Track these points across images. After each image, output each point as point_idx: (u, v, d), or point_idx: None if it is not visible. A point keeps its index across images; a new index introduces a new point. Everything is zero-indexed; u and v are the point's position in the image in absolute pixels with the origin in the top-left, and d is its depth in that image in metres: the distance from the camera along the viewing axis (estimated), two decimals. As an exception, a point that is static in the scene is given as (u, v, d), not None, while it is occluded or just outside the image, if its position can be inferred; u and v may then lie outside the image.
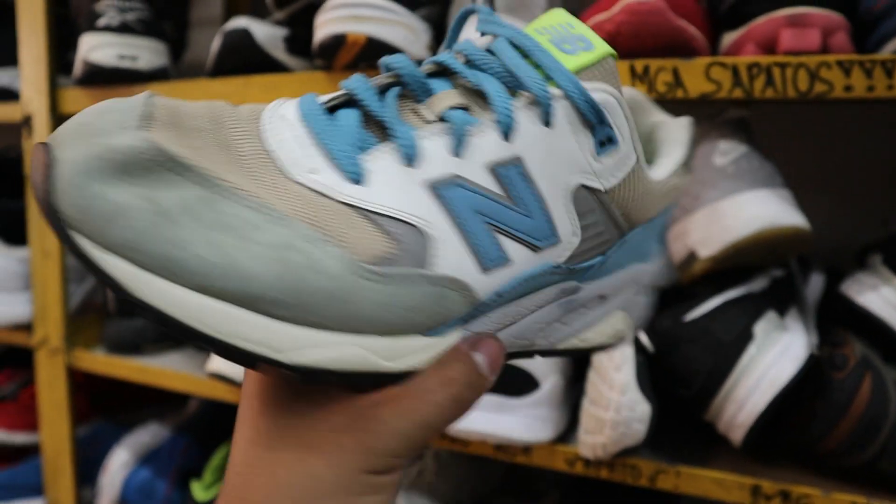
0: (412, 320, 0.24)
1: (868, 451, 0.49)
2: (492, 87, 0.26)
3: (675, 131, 0.34)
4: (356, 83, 0.26)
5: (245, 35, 0.65)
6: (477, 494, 0.77)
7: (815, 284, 0.63)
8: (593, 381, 0.54)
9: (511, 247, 0.26)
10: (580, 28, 0.27)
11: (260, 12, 0.96)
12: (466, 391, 0.25)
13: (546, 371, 0.57)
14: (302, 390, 0.25)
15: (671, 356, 0.54)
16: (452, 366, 0.25)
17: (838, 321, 0.57)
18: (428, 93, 0.26)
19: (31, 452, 0.92)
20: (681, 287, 0.58)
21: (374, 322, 0.23)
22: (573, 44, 0.27)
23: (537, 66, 0.26)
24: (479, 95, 0.26)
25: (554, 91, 0.26)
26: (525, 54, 0.27)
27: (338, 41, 0.56)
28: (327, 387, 0.25)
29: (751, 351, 0.52)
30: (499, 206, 0.26)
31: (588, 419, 0.53)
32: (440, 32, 0.62)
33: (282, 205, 0.22)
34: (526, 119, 0.26)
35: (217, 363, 0.69)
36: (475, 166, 0.25)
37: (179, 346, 0.83)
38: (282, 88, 0.64)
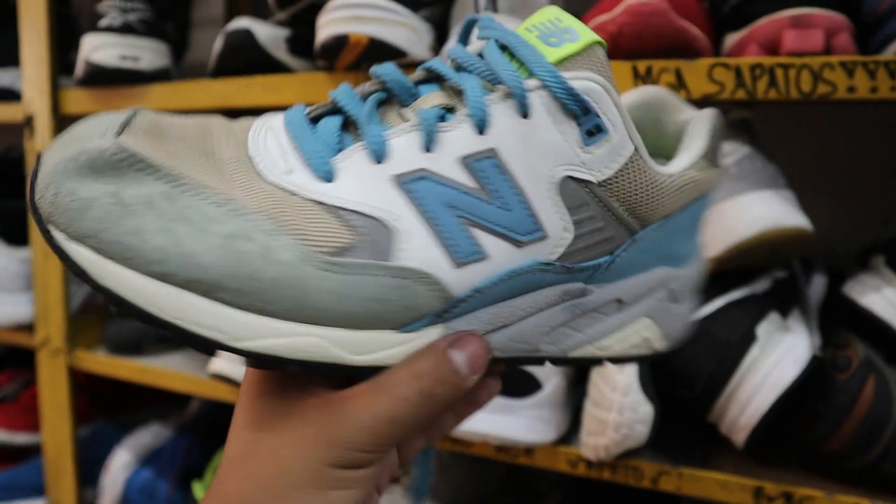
0: (376, 313, 0.24)
1: (871, 453, 0.49)
2: (469, 84, 0.26)
3: (696, 123, 0.33)
4: (341, 92, 0.27)
5: (247, 35, 0.65)
6: (478, 495, 0.77)
7: (817, 285, 0.63)
8: (596, 382, 0.54)
9: (488, 241, 0.26)
10: (568, 21, 0.27)
11: (261, 13, 0.96)
12: (436, 386, 0.25)
13: (548, 372, 0.57)
14: (286, 386, 0.26)
15: (673, 357, 0.54)
16: (422, 360, 0.25)
17: (841, 322, 0.57)
18: (413, 97, 0.27)
19: (32, 453, 0.92)
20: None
21: (330, 312, 0.24)
22: (559, 37, 0.27)
23: (520, 63, 0.27)
24: (461, 94, 0.27)
25: (531, 83, 0.26)
26: (510, 52, 0.27)
27: (340, 42, 0.56)
28: (309, 381, 0.26)
29: (753, 352, 0.52)
30: (472, 199, 0.26)
31: (590, 420, 0.53)
32: (442, 33, 0.62)
33: (248, 201, 0.23)
34: (502, 112, 0.26)
35: (219, 364, 0.69)
36: (446, 160, 0.25)
37: (181, 346, 0.83)
38: (284, 89, 0.64)
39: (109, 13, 0.70)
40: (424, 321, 0.26)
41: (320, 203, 0.24)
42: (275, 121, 0.27)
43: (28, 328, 0.84)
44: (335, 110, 0.27)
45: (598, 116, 0.26)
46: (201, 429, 0.90)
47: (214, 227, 0.23)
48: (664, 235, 0.30)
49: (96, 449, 0.88)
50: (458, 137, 0.26)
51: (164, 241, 0.22)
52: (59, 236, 0.22)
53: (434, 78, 0.28)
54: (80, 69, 0.72)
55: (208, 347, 0.23)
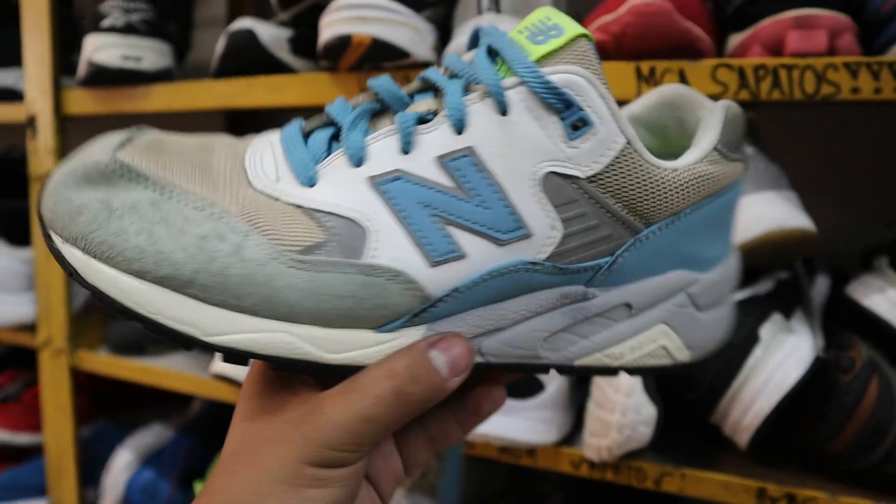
0: (346, 311, 0.25)
1: (875, 454, 0.49)
2: (451, 87, 0.27)
3: (709, 115, 0.31)
4: (335, 105, 0.28)
5: (250, 36, 0.64)
6: (481, 496, 0.77)
7: (820, 286, 0.63)
8: (598, 383, 0.54)
9: (465, 239, 0.26)
10: (556, 18, 0.27)
11: (263, 13, 0.96)
12: (410, 385, 0.25)
13: (551, 373, 0.57)
14: (278, 386, 0.27)
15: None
16: (397, 359, 0.25)
17: (844, 323, 0.57)
18: (407, 105, 0.28)
19: (34, 453, 0.92)
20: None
21: (299, 309, 0.24)
22: (546, 34, 0.26)
23: (506, 63, 0.27)
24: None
25: (509, 80, 0.26)
26: (498, 54, 0.27)
27: (343, 42, 0.56)
28: (299, 382, 0.26)
29: (756, 353, 0.52)
30: (447, 198, 0.26)
31: (593, 422, 0.53)
32: (445, 33, 0.61)
33: (231, 206, 0.25)
34: (480, 111, 0.26)
35: (221, 364, 0.69)
36: (422, 161, 0.26)
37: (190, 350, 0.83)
38: (286, 89, 0.64)
39: (112, 13, 0.70)
40: (402, 321, 0.26)
41: (299, 206, 0.25)
42: (274, 136, 0.28)
43: (30, 328, 0.84)
44: (329, 123, 0.28)
45: (582, 109, 0.26)
46: (203, 429, 0.89)
47: (191, 228, 0.24)
48: (676, 235, 0.28)
49: (98, 449, 0.88)
50: (436, 138, 0.26)
51: (143, 241, 0.24)
52: (57, 240, 0.25)
53: (429, 86, 0.28)
54: (82, 69, 0.72)
55: (183, 342, 0.24)
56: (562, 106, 0.26)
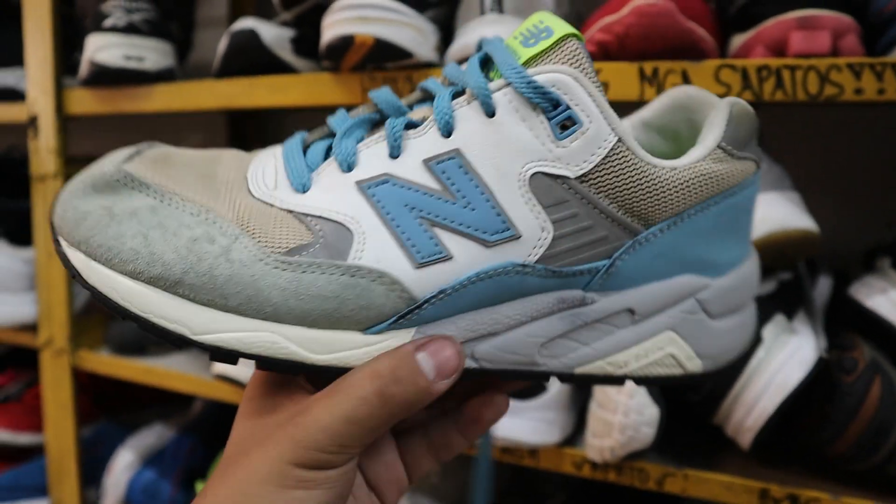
0: (331, 311, 0.25)
1: (878, 455, 0.49)
2: (442, 93, 0.27)
3: (714, 113, 0.30)
4: (336, 116, 0.29)
5: (252, 36, 0.64)
6: (482, 496, 0.77)
7: (822, 287, 0.63)
8: (601, 383, 0.53)
9: (451, 241, 0.26)
10: (548, 21, 0.27)
11: (264, 13, 0.96)
12: (392, 386, 0.25)
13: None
14: (274, 391, 0.27)
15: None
16: (381, 360, 0.25)
17: (847, 324, 0.57)
18: (404, 114, 0.28)
19: (35, 453, 0.92)
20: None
21: (284, 309, 0.25)
22: (537, 37, 0.27)
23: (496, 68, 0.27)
24: None
25: (496, 83, 0.26)
26: (492, 60, 0.28)
27: (345, 42, 0.56)
28: (296, 386, 0.27)
29: (759, 354, 0.52)
30: (433, 200, 0.26)
31: (596, 422, 0.53)
32: (448, 34, 0.61)
33: (227, 213, 0.26)
34: (468, 114, 0.26)
35: (223, 365, 0.69)
36: (409, 164, 0.26)
37: (184, 350, 0.83)
38: (288, 90, 0.63)
39: (114, 13, 0.70)
40: (388, 323, 0.26)
41: (291, 212, 0.26)
42: (279, 148, 0.29)
43: (31, 328, 0.84)
44: (330, 134, 0.29)
45: (570, 108, 0.26)
46: (204, 429, 0.89)
47: (184, 231, 0.25)
48: (681, 238, 0.28)
49: (99, 449, 0.88)
50: (424, 142, 0.26)
51: (138, 244, 0.25)
52: (63, 244, 0.26)
53: (428, 96, 0.29)
54: (84, 69, 0.72)
55: (174, 340, 0.25)
56: (548, 105, 0.26)
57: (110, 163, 0.27)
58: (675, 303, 0.28)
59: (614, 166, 0.26)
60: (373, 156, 0.27)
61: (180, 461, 0.84)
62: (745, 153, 0.29)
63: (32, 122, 0.79)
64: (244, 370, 0.68)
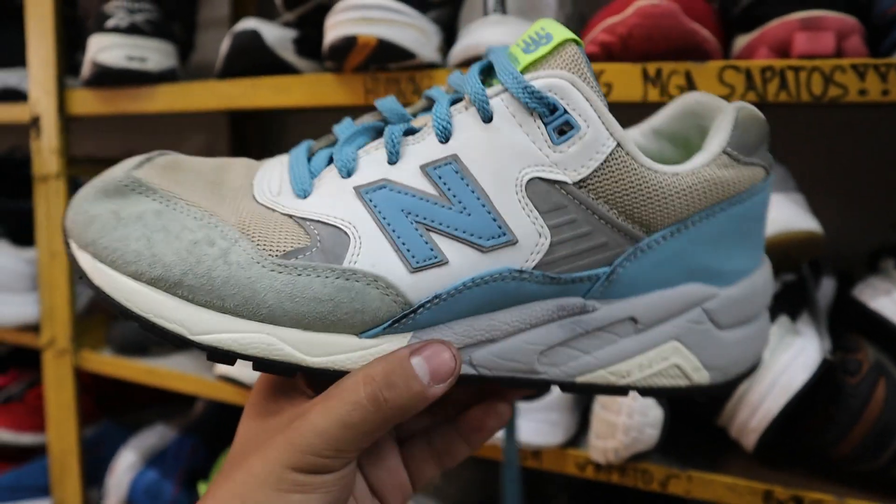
0: (326, 314, 0.25)
1: (882, 457, 0.49)
2: (442, 100, 0.27)
3: (719, 118, 0.29)
4: (341, 125, 0.30)
5: (254, 36, 0.64)
6: (484, 498, 0.77)
7: (826, 288, 0.63)
8: (604, 385, 0.53)
9: (447, 246, 0.26)
10: (549, 28, 0.27)
11: (266, 14, 0.96)
12: (386, 391, 0.25)
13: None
14: (278, 394, 0.28)
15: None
16: (375, 365, 0.26)
17: (851, 326, 0.57)
18: (408, 122, 0.28)
19: (37, 453, 0.92)
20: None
21: (279, 311, 0.25)
22: (537, 44, 0.27)
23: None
24: None
25: (493, 89, 0.26)
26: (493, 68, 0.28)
27: (348, 43, 0.55)
28: (296, 391, 0.27)
29: (763, 355, 0.51)
30: (429, 205, 0.26)
31: (599, 424, 0.53)
32: (451, 34, 0.61)
33: (230, 217, 0.26)
34: (465, 120, 0.26)
35: (226, 366, 0.69)
36: (407, 170, 0.26)
37: (184, 349, 0.83)
38: (291, 90, 0.63)
39: (116, 14, 0.70)
40: (383, 327, 0.26)
41: (291, 216, 0.27)
42: (285, 156, 0.30)
43: (34, 328, 0.84)
44: (335, 142, 0.30)
45: (567, 113, 0.26)
46: (206, 430, 0.89)
47: (186, 234, 0.26)
48: (685, 245, 0.27)
49: (101, 449, 0.88)
50: (422, 148, 0.27)
51: (141, 246, 0.25)
52: (73, 246, 0.26)
53: (432, 104, 0.29)
54: (86, 70, 0.72)
55: (173, 340, 0.25)
56: (545, 110, 0.26)
57: (120, 169, 0.28)
58: (681, 312, 0.28)
59: (613, 171, 0.26)
60: (372, 162, 0.27)
61: (182, 462, 0.84)
62: (753, 159, 0.28)
63: (35, 122, 0.79)
64: (246, 371, 0.68)
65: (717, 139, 0.28)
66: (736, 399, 0.52)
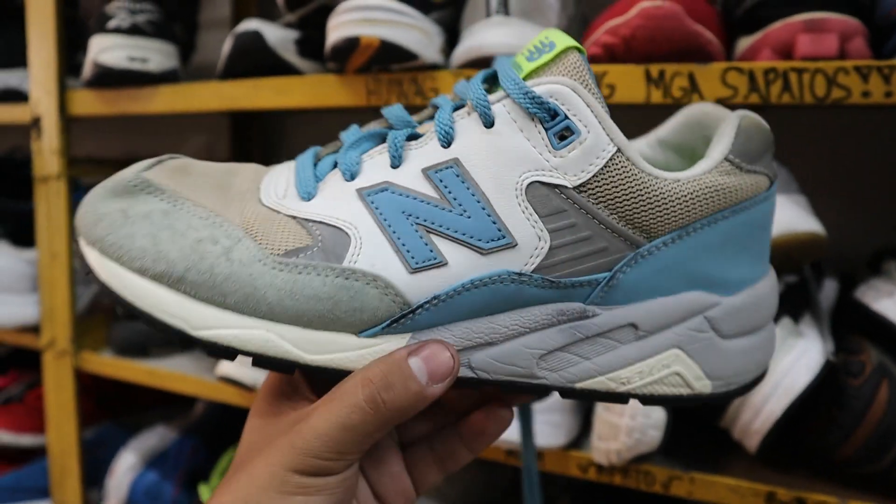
0: (324, 312, 0.25)
1: (885, 459, 0.49)
2: (445, 106, 0.28)
3: (722, 126, 0.29)
4: (348, 131, 0.30)
5: (256, 37, 0.64)
6: (485, 499, 0.77)
7: (828, 290, 0.63)
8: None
9: (446, 247, 0.26)
10: (553, 37, 0.27)
11: (267, 15, 0.96)
12: (384, 392, 0.25)
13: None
14: (283, 397, 0.28)
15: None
16: (372, 367, 0.26)
17: (853, 328, 0.57)
18: (413, 129, 0.29)
19: (37, 454, 0.92)
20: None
21: (279, 308, 0.25)
22: (541, 52, 0.27)
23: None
24: None
25: (495, 95, 0.27)
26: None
27: (351, 44, 0.55)
28: (300, 395, 0.28)
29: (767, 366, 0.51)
30: (429, 207, 0.26)
31: (602, 425, 0.53)
32: (453, 35, 0.61)
33: (235, 218, 0.27)
34: (467, 125, 0.27)
35: (226, 367, 0.69)
36: (408, 173, 0.27)
37: (187, 348, 0.83)
38: (293, 91, 0.63)
39: (118, 14, 0.70)
40: (381, 327, 0.26)
41: (294, 218, 0.27)
42: (292, 162, 0.31)
43: (34, 329, 0.84)
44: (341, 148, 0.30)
45: (568, 118, 0.26)
46: (207, 431, 0.89)
47: (191, 233, 0.26)
48: (687, 252, 0.27)
49: (102, 451, 0.88)
50: (424, 153, 0.27)
51: (147, 243, 0.26)
52: (82, 243, 0.27)
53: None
54: (88, 70, 0.72)
55: (174, 335, 0.26)
56: (546, 116, 0.26)
57: (131, 170, 0.28)
58: (682, 320, 0.28)
59: (613, 176, 0.26)
60: (375, 165, 0.28)
61: (182, 463, 0.84)
62: (756, 167, 0.28)
63: (35, 123, 0.78)
64: (246, 372, 0.67)
65: (720, 147, 0.28)
66: (739, 401, 0.52)
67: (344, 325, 0.26)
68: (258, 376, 0.67)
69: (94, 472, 0.86)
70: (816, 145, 0.74)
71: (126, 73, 0.70)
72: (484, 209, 0.26)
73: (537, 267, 0.26)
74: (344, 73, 0.60)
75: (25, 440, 0.91)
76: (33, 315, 0.84)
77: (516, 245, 0.26)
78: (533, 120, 0.26)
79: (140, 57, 0.70)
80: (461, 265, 0.26)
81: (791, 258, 0.56)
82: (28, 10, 0.78)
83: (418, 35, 0.56)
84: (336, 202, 0.27)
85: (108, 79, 0.71)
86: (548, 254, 0.26)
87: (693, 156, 0.33)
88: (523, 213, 0.26)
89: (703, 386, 0.28)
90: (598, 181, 0.26)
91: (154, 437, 0.87)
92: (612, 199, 0.26)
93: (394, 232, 0.26)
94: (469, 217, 0.26)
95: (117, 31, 0.69)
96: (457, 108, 0.28)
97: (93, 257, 0.27)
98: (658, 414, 0.51)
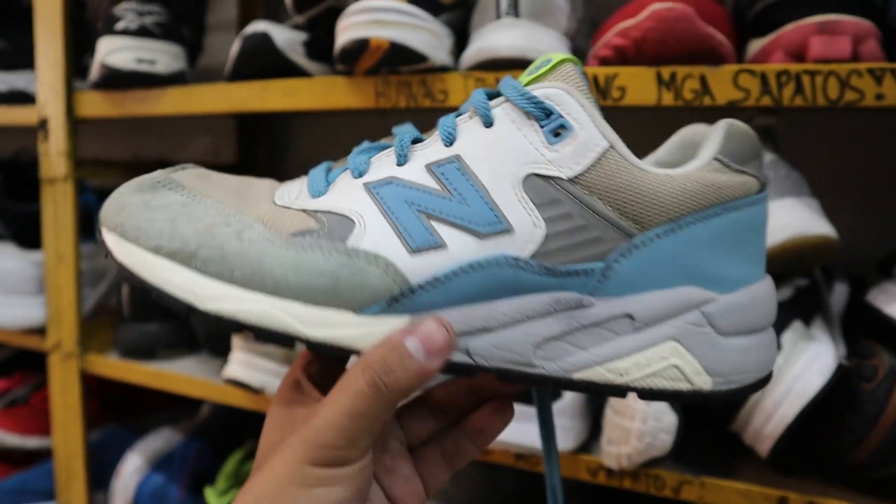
0: (327, 288, 0.27)
1: (898, 464, 0.48)
2: (449, 116, 0.31)
3: (712, 133, 0.31)
4: (361, 148, 0.32)
5: (265, 39, 0.64)
6: (492, 503, 0.76)
7: (838, 294, 0.63)
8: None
9: (446, 232, 0.28)
10: (551, 55, 0.30)
11: (274, 16, 0.96)
12: (384, 376, 0.26)
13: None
14: (292, 404, 0.29)
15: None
16: (371, 352, 0.27)
17: (865, 331, 0.57)
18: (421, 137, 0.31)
19: (43, 457, 0.92)
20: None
21: (284, 284, 0.27)
22: (539, 67, 0.30)
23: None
24: None
25: (495, 100, 0.29)
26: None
27: (360, 46, 0.55)
28: (311, 398, 0.29)
29: (777, 361, 0.51)
30: (431, 196, 0.28)
31: (612, 429, 0.53)
32: (462, 37, 0.61)
33: (248, 210, 0.29)
34: (469, 127, 0.29)
35: (233, 369, 0.69)
36: (413, 169, 0.29)
37: (193, 351, 0.82)
38: (301, 93, 0.63)
39: (126, 16, 0.70)
40: (381, 305, 0.27)
41: (304, 210, 0.29)
42: (308, 174, 0.32)
43: (40, 331, 0.84)
44: None
45: (562, 117, 0.28)
46: (212, 433, 0.89)
47: (207, 219, 0.28)
48: (680, 245, 0.28)
49: (107, 453, 0.88)
50: (428, 152, 0.29)
51: (165, 225, 0.28)
52: (103, 230, 0.29)
53: None
54: (95, 72, 0.72)
55: (183, 308, 0.27)
56: (542, 114, 0.28)
57: (159, 172, 0.31)
58: (678, 313, 0.28)
59: (606, 169, 0.28)
60: (382, 164, 0.30)
61: (188, 465, 0.84)
62: (745, 168, 0.30)
63: (42, 124, 0.78)
64: (253, 375, 0.67)
65: (709, 149, 0.30)
66: (750, 405, 0.51)
67: (345, 303, 0.27)
68: (265, 379, 0.67)
69: (99, 474, 0.86)
70: (829, 148, 0.74)
71: (134, 74, 0.70)
72: (482, 198, 0.28)
73: (534, 253, 0.28)
74: (353, 74, 0.60)
75: (31, 442, 0.91)
76: (39, 317, 0.83)
77: (513, 231, 0.27)
78: (530, 119, 0.28)
79: (148, 59, 0.70)
80: (460, 248, 0.27)
81: (802, 261, 0.56)
82: (35, 12, 0.78)
83: (428, 37, 0.56)
84: (344, 195, 0.29)
85: (116, 80, 0.71)
86: (544, 241, 0.28)
87: None
88: (520, 201, 0.28)
89: (704, 382, 0.28)
90: (592, 173, 0.28)
91: (160, 440, 0.86)
92: (605, 190, 0.28)
93: (396, 218, 0.28)
94: (469, 205, 0.28)
95: (125, 32, 0.69)
96: (458, 115, 0.31)
97: (112, 241, 0.28)
98: (669, 418, 0.51)
